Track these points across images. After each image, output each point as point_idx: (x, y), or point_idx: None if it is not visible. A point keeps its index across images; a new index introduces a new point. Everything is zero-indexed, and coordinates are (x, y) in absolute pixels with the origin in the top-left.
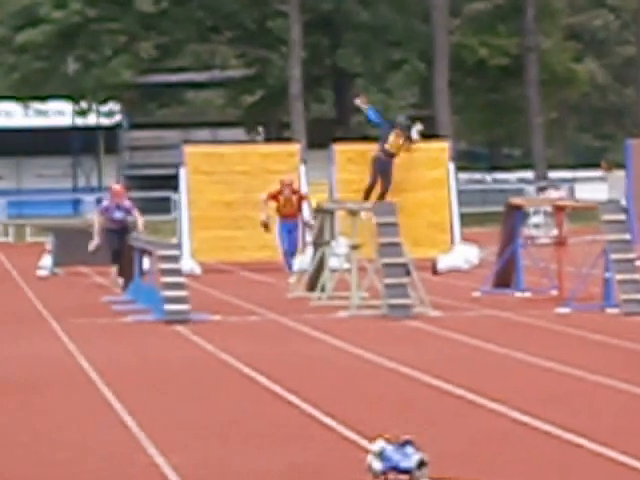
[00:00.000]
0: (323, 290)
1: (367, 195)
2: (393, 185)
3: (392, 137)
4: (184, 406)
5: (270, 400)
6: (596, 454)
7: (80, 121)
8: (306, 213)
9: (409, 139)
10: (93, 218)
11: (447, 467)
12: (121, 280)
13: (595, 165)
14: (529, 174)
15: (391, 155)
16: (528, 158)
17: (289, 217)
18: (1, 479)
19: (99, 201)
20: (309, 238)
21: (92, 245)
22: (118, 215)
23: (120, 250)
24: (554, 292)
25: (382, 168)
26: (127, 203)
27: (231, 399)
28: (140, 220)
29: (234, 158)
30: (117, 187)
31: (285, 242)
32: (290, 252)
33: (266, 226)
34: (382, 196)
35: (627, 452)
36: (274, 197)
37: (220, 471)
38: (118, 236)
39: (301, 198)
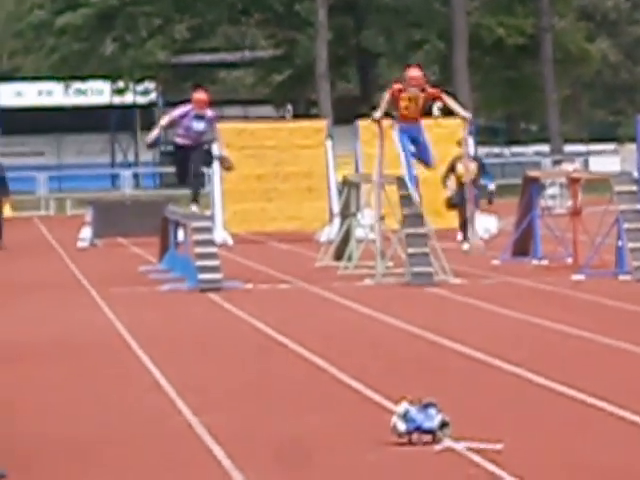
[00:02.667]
0: (350, 259)
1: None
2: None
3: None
4: (217, 370)
5: (299, 364)
6: (613, 415)
7: (117, 100)
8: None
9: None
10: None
11: (469, 428)
12: (195, 207)
13: (608, 139)
14: (545, 148)
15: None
16: (544, 133)
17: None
18: (45, 437)
19: (135, 176)
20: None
21: (150, 137)
22: (198, 126)
23: (187, 169)
24: (569, 260)
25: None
26: (210, 112)
27: (262, 363)
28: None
29: (264, 134)
30: (202, 95)
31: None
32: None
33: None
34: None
35: None
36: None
37: (251, 431)
38: (188, 155)
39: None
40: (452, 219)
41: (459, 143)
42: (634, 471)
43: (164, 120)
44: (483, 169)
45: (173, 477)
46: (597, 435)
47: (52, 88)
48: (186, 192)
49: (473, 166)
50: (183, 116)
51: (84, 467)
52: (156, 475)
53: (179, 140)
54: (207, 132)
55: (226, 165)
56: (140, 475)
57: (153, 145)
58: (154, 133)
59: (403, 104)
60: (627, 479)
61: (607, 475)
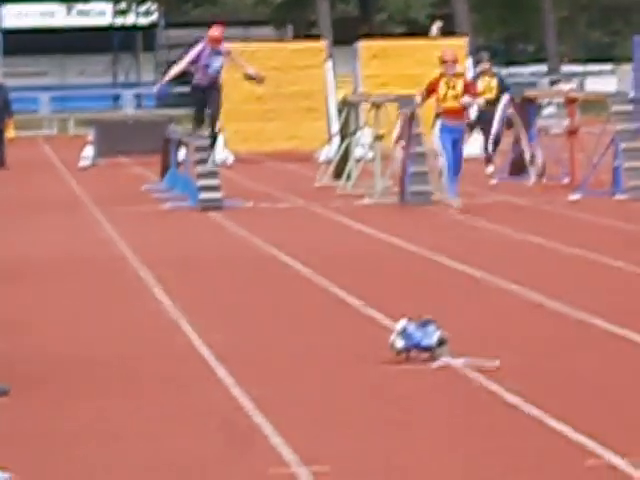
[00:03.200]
0: (349, 178)
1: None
2: (414, 80)
3: (480, 83)
4: (218, 288)
5: (300, 283)
6: (609, 333)
7: (119, 21)
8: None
9: (492, 73)
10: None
11: (466, 345)
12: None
13: (604, 59)
14: (543, 68)
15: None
16: (542, 53)
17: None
18: (46, 356)
19: (137, 96)
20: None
21: (156, 87)
22: (216, 63)
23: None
24: (566, 180)
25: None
26: (224, 47)
27: (263, 282)
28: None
29: (265, 54)
30: (217, 32)
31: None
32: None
33: None
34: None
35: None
36: (432, 89)
37: (252, 349)
38: (205, 97)
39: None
40: None
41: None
42: (630, 388)
43: (176, 68)
44: (502, 85)
45: (176, 395)
46: (594, 353)
47: (55, 9)
48: (188, 111)
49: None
50: (197, 57)
51: (86, 386)
52: (159, 393)
53: (198, 81)
54: (221, 72)
55: (259, 81)
56: (142, 393)
57: (160, 97)
58: (160, 83)
59: (442, 92)
60: (621, 395)
61: (603, 391)
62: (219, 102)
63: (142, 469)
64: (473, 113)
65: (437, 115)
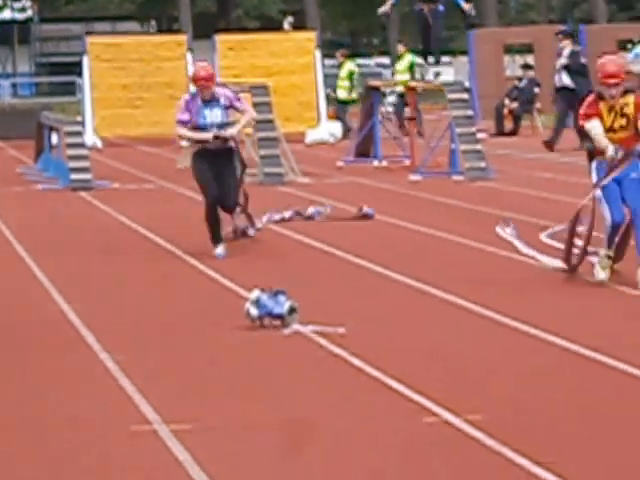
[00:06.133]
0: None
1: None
2: (267, 70)
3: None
4: (87, 260)
5: (163, 254)
6: (444, 301)
7: None
8: None
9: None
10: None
11: (315, 314)
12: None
13: (443, 52)
14: (386, 60)
15: None
16: (385, 46)
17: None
18: None
19: (14, 85)
20: None
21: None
22: (212, 116)
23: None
24: (407, 161)
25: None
26: (223, 91)
27: (127, 254)
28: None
29: (130, 47)
30: (201, 71)
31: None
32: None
33: None
34: None
35: (477, 301)
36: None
37: (118, 316)
38: (214, 170)
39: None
40: (300, 124)
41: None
42: (463, 352)
43: (180, 130)
44: None
45: (47, 360)
46: (432, 321)
47: None
48: (59, 100)
49: None
50: (189, 110)
51: None
52: (30, 359)
53: (195, 147)
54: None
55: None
56: (13, 359)
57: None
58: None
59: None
60: (456, 359)
61: (440, 356)
62: (236, 176)
63: (5, 429)
64: None
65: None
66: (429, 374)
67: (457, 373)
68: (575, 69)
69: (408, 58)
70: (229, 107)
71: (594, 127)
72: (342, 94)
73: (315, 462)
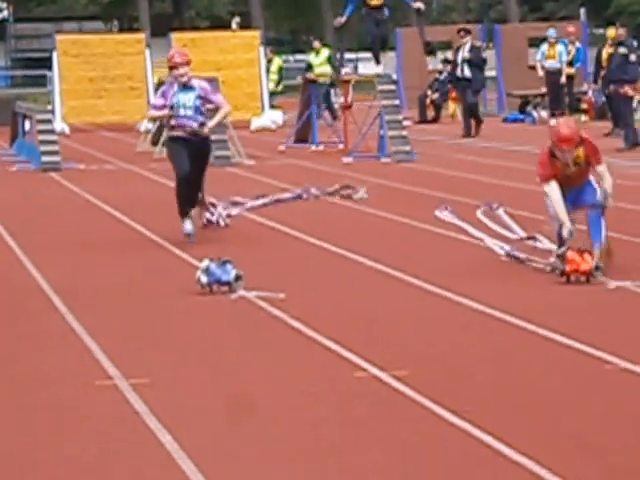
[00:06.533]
0: (164, 145)
1: None
2: (217, 65)
3: None
4: (56, 231)
5: (122, 227)
6: (378, 271)
7: None
8: None
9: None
10: None
11: (258, 281)
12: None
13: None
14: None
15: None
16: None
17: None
18: None
19: None
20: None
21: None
22: (185, 99)
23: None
24: (341, 146)
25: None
26: (198, 82)
27: (89, 224)
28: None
29: (95, 44)
30: (177, 56)
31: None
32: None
33: None
34: None
35: (406, 270)
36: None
37: (83, 283)
38: (189, 157)
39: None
40: (246, 113)
41: None
42: (391, 315)
43: (150, 112)
44: None
45: (19, 323)
46: (366, 288)
47: None
48: (32, 91)
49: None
50: (164, 97)
51: None
52: (2, 323)
53: (171, 131)
54: (203, 112)
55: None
56: None
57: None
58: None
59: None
60: (384, 320)
61: (371, 317)
62: (204, 167)
63: None
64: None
65: None
66: (361, 335)
67: (387, 334)
68: (476, 62)
69: (325, 53)
70: (203, 98)
71: (553, 192)
72: (271, 86)
73: (259, 414)
